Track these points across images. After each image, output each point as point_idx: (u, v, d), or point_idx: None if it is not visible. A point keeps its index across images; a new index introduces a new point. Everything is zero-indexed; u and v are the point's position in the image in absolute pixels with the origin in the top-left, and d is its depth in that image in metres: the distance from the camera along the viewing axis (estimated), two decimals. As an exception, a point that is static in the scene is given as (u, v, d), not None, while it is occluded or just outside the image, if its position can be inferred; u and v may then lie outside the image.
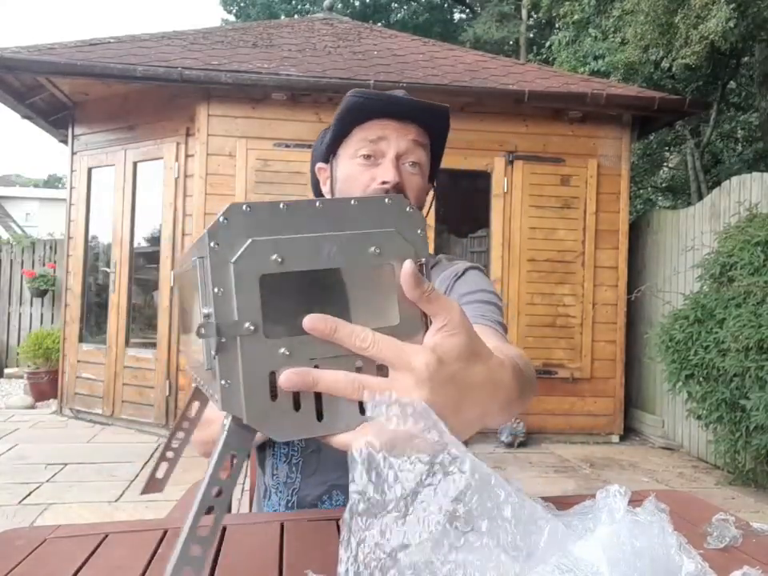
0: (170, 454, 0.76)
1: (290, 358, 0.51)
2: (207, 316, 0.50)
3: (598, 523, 0.61)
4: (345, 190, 1.08)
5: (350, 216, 0.55)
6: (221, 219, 0.51)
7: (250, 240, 0.51)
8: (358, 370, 0.53)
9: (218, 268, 0.50)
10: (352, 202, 0.55)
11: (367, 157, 1.06)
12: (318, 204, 0.53)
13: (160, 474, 0.76)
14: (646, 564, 0.53)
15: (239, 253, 0.51)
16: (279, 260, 0.52)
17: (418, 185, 1.08)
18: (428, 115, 1.08)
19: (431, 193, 1.19)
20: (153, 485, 0.76)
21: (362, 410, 0.52)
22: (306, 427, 0.53)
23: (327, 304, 0.58)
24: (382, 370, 0.53)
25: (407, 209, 0.56)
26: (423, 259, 0.55)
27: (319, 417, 0.53)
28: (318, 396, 0.52)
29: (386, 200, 0.56)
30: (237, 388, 0.50)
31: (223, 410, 0.50)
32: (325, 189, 1.16)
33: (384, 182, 1.04)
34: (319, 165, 1.17)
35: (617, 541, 0.54)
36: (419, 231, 0.57)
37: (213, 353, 0.50)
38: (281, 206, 0.53)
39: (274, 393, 0.51)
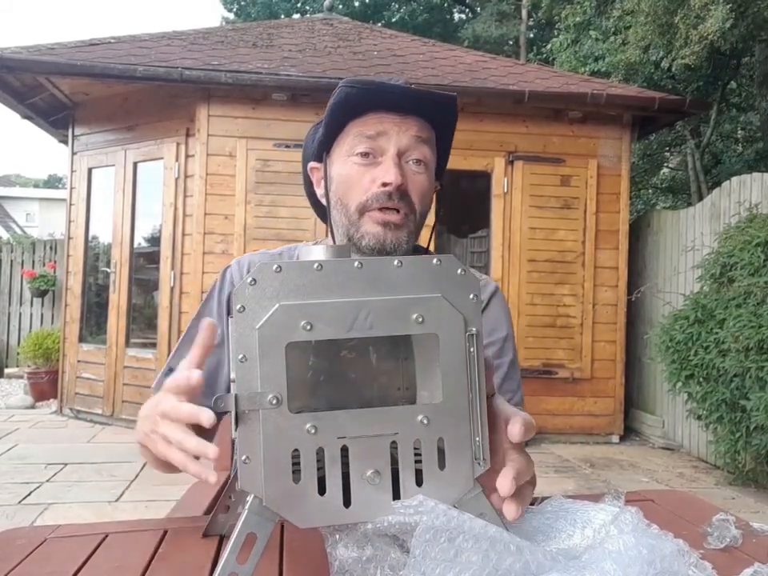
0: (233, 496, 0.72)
1: (315, 435, 0.47)
2: (233, 380, 0.47)
3: (588, 524, 0.62)
4: (342, 192, 0.96)
5: (391, 278, 0.50)
6: (248, 280, 0.47)
7: (277, 305, 0.47)
8: (393, 446, 0.50)
9: (242, 333, 0.47)
10: (395, 262, 0.50)
11: (365, 155, 0.94)
12: (356, 264, 0.49)
13: (222, 515, 0.71)
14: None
15: (265, 318, 0.47)
16: (308, 327, 0.47)
17: (423, 185, 0.96)
18: (432, 107, 0.95)
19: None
20: (215, 525, 0.72)
21: (395, 497, 0.49)
22: (331, 513, 0.49)
23: (360, 377, 0.55)
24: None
25: (458, 271, 0.51)
26: (474, 329, 0.50)
27: (346, 503, 0.49)
28: (347, 480, 0.49)
29: (434, 261, 0.51)
30: (257, 466, 0.47)
31: (242, 488, 0.48)
32: (319, 191, 1.04)
33: (385, 184, 0.92)
34: (312, 164, 1.05)
35: (625, 551, 0.54)
36: (471, 296, 0.51)
37: (233, 425, 0.47)
38: (314, 266, 0.48)
39: (297, 473, 0.48)
